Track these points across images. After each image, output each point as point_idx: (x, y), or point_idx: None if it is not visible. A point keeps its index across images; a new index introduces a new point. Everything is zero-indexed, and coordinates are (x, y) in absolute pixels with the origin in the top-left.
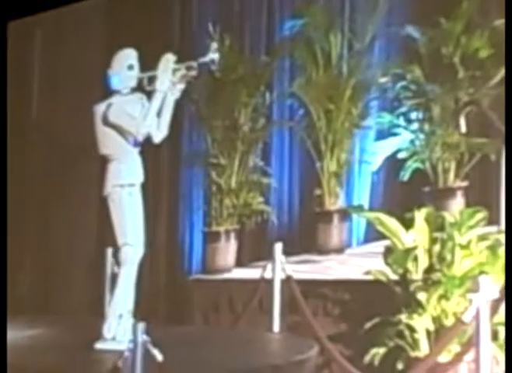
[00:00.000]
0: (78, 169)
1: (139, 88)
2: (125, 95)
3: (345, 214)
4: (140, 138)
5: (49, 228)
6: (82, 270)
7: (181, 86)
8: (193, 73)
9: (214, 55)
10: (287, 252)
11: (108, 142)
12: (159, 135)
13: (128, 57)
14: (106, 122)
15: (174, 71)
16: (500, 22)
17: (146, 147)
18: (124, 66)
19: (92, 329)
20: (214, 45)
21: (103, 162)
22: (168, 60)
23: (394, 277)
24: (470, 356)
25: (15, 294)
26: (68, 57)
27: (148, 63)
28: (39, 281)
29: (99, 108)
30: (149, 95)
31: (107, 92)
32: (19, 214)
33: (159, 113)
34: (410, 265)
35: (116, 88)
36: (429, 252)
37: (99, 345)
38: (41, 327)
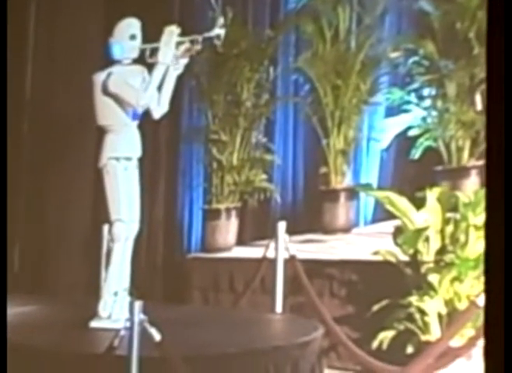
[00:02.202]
0: (74, 142)
1: (141, 60)
2: (126, 66)
3: (352, 193)
4: (139, 110)
5: (43, 203)
6: (77, 247)
7: (184, 61)
8: (197, 47)
9: (220, 30)
10: (291, 232)
11: (106, 112)
12: (159, 111)
13: (130, 26)
14: (105, 91)
15: (178, 44)
16: None
17: (145, 121)
18: (127, 35)
19: (88, 307)
20: (220, 20)
21: (100, 134)
22: (172, 32)
23: (403, 257)
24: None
25: (8, 270)
26: (64, 27)
27: (148, 33)
28: (32, 257)
29: (99, 77)
30: (151, 68)
31: (107, 62)
32: (12, 189)
33: (160, 88)
34: (421, 246)
35: (117, 57)
36: (442, 232)
37: (94, 323)
38: (35, 304)
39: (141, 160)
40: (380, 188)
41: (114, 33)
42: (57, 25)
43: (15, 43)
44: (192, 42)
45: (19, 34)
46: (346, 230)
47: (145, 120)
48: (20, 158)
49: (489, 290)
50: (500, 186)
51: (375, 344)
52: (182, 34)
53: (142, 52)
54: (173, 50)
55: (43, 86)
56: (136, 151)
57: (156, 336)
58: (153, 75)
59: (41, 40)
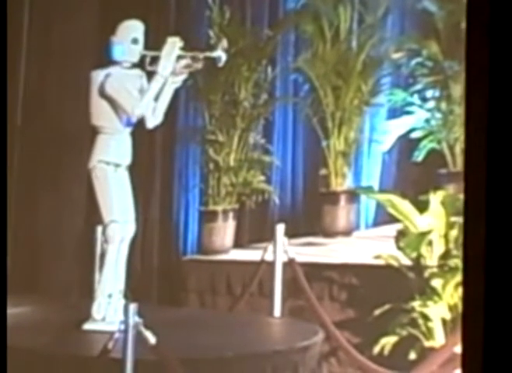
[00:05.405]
0: (68, 143)
1: (140, 65)
2: (125, 69)
3: (352, 196)
4: (133, 119)
5: (36, 204)
6: (71, 248)
7: (183, 76)
8: (198, 65)
9: (222, 54)
10: (290, 234)
11: (100, 114)
12: (153, 121)
13: (134, 29)
14: (102, 93)
15: (178, 57)
16: None
17: (140, 123)
18: (129, 38)
19: (81, 310)
20: (224, 43)
21: (94, 135)
22: (174, 44)
23: (406, 262)
24: None
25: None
26: (59, 26)
27: (145, 35)
28: (25, 258)
29: (97, 76)
30: (149, 74)
31: (104, 62)
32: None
33: (156, 98)
34: (424, 250)
35: (117, 58)
36: (446, 237)
37: (87, 326)
38: (27, 306)
39: (134, 162)
40: (382, 191)
41: (117, 32)
42: (51, 24)
43: (9, 42)
44: (193, 58)
45: (11, 33)
46: (347, 233)
47: (140, 122)
48: (12, 158)
49: (467, 293)
50: (481, 192)
51: (377, 350)
52: (177, 34)
53: (143, 58)
54: (173, 63)
55: (37, 87)
56: (126, 158)
57: (151, 339)
58: (151, 86)
59: (35, 39)
